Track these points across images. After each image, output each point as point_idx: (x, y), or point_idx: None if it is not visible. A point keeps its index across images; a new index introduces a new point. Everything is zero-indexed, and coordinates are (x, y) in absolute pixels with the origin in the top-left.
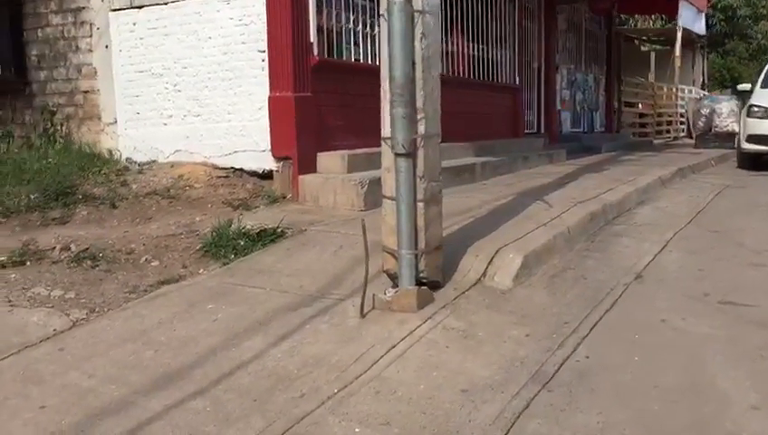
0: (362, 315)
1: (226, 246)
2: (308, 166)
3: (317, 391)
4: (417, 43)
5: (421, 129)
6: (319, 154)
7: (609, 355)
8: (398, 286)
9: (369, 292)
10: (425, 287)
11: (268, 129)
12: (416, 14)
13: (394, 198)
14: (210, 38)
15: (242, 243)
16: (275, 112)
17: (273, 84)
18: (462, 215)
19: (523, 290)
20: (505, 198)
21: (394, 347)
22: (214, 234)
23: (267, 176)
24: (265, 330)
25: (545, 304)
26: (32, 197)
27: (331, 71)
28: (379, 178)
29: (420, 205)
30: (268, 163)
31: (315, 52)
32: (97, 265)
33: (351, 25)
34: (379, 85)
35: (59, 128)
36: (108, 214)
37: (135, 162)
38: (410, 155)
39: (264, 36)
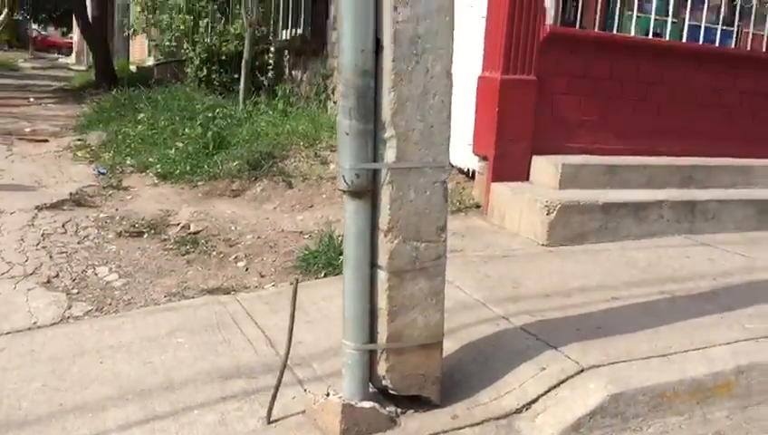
0: (269, 421)
1: (321, 261)
2: (511, 171)
3: None
4: (387, 9)
5: (389, 154)
6: (535, 158)
7: None
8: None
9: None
10: (372, 406)
11: (473, 117)
12: None
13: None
14: None
15: (341, 261)
16: (481, 97)
17: (486, 60)
18: (659, 285)
19: None
20: None
21: None
22: (321, 243)
23: (473, 176)
24: (125, 412)
25: None
26: (233, 164)
27: (571, 46)
28: (582, 204)
29: (382, 275)
30: (471, 161)
31: (550, 18)
32: (188, 253)
33: None
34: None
35: (331, 93)
36: (278, 194)
37: None
38: (360, 195)
39: None
